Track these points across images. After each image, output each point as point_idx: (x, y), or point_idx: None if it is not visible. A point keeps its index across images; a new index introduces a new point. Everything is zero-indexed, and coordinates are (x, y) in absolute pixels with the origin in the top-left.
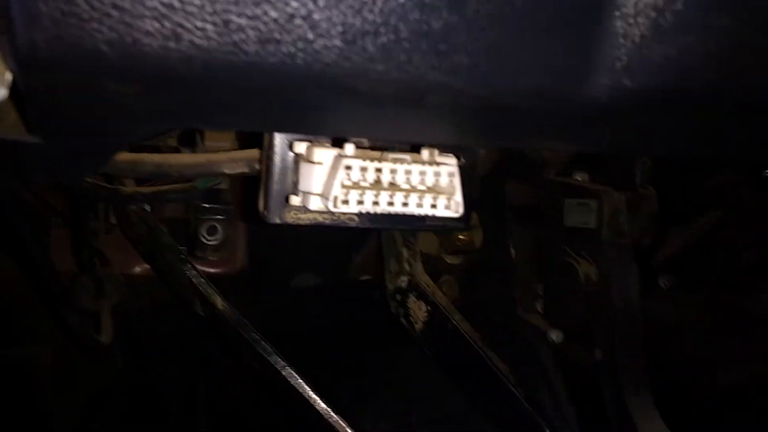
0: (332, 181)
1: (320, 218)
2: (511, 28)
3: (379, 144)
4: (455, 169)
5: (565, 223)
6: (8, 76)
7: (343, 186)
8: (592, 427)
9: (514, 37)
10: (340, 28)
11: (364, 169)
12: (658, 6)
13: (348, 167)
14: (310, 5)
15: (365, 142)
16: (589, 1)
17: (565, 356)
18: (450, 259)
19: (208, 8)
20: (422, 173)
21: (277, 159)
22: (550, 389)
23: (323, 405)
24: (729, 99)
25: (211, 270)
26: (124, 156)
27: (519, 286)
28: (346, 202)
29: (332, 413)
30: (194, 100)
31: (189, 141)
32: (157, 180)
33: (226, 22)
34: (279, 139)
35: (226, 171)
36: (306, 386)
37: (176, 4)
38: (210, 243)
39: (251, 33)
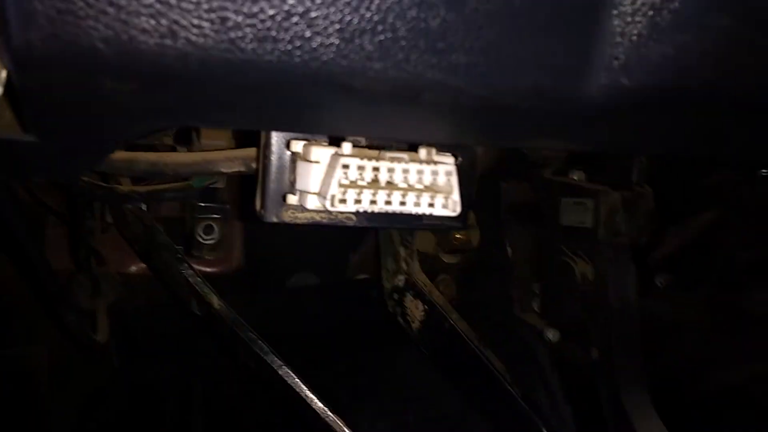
0: (329, 180)
1: (317, 217)
2: (509, 27)
3: (377, 143)
4: (453, 168)
5: (561, 223)
6: (3, 74)
7: (341, 185)
8: (588, 426)
9: (512, 35)
10: (337, 26)
11: (361, 168)
12: (656, 5)
13: (345, 166)
14: (308, 3)
15: (362, 140)
16: (586, 0)
17: (562, 355)
18: (447, 258)
19: (205, 5)
20: (420, 172)
21: (274, 158)
22: (546, 388)
23: (320, 404)
24: (726, 98)
25: (208, 269)
26: (119, 155)
27: (516, 286)
28: (343, 201)
29: (329, 412)
30: (190, 97)
31: (185, 139)
32: (153, 179)
33: (223, 20)
34: (276, 138)
35: (223, 170)
36: (303, 385)
37: (172, 1)
38: (206, 242)
39: (248, 30)
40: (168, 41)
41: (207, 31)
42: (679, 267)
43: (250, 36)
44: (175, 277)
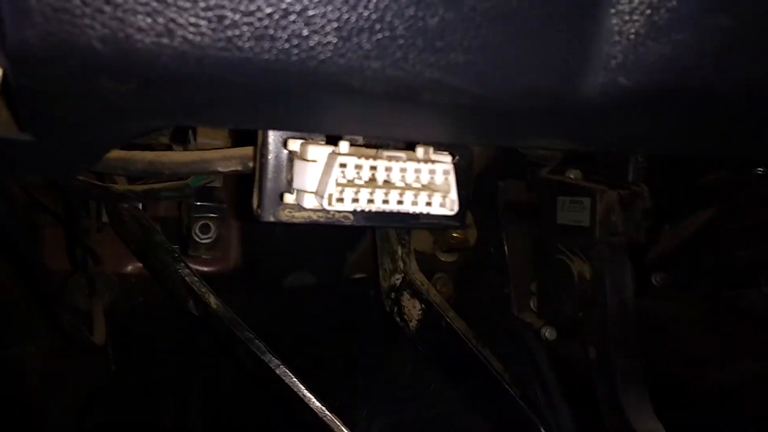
0: (327, 178)
1: (315, 216)
2: (507, 26)
3: (374, 141)
4: (450, 167)
5: (558, 221)
6: None
7: (338, 184)
8: (586, 424)
9: (510, 34)
10: (335, 25)
11: (358, 167)
12: (653, 3)
13: (343, 165)
14: (305, 1)
15: (360, 139)
16: None
17: (559, 354)
18: (444, 257)
19: (202, 4)
20: (417, 171)
21: (271, 157)
22: (544, 387)
23: (317, 403)
24: (724, 97)
25: (205, 269)
26: (116, 154)
27: (513, 284)
28: (340, 200)
29: (326, 412)
30: (187, 96)
31: (181, 138)
32: (150, 178)
33: (220, 18)
34: (273, 137)
35: (220, 169)
36: (300, 385)
37: None
38: (203, 241)
39: (245, 29)
40: (165, 40)
41: (204, 30)
42: (676, 266)
43: (248, 34)
44: (171, 276)
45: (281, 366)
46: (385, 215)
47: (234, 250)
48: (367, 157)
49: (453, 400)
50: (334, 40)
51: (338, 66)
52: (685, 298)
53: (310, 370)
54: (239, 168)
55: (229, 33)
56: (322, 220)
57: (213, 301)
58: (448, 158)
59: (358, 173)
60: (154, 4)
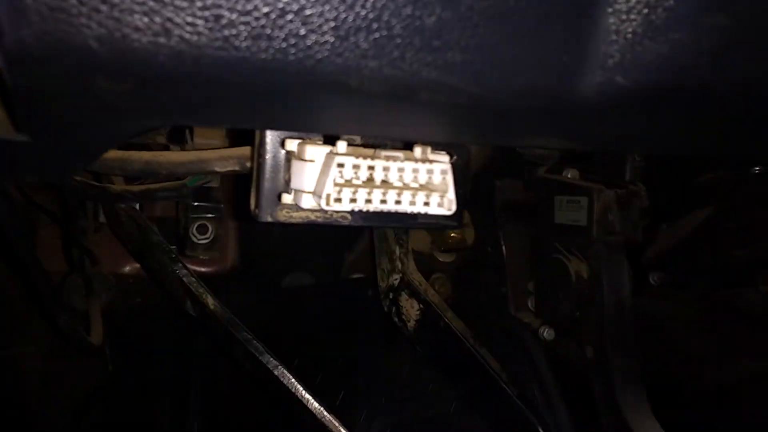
0: (324, 178)
1: (312, 216)
2: (504, 25)
3: (372, 141)
4: (448, 167)
5: (555, 221)
6: None
7: (336, 184)
8: (583, 424)
9: (507, 33)
10: (332, 24)
11: (356, 167)
12: (651, 3)
13: (340, 165)
14: (302, 0)
15: (357, 139)
16: None
17: (557, 354)
18: (442, 257)
19: (199, 3)
20: (415, 171)
21: (268, 157)
22: (541, 387)
23: (316, 404)
24: (721, 96)
25: (202, 269)
26: (113, 154)
27: (510, 284)
28: (338, 200)
29: (325, 412)
30: (184, 96)
31: (179, 138)
32: (147, 178)
33: (217, 17)
34: (270, 137)
35: (217, 169)
36: (299, 385)
37: None
38: (201, 242)
39: (242, 28)
40: (162, 39)
41: (201, 29)
42: (673, 265)
43: (245, 34)
44: (169, 277)
45: (279, 366)
46: (382, 215)
47: (231, 250)
48: (364, 157)
49: (451, 399)
50: (331, 40)
51: (335, 65)
52: (683, 297)
53: (308, 371)
54: (237, 168)
55: (226, 32)
56: (319, 220)
57: (210, 301)
58: (445, 158)
59: (355, 173)
60: (151, 3)
